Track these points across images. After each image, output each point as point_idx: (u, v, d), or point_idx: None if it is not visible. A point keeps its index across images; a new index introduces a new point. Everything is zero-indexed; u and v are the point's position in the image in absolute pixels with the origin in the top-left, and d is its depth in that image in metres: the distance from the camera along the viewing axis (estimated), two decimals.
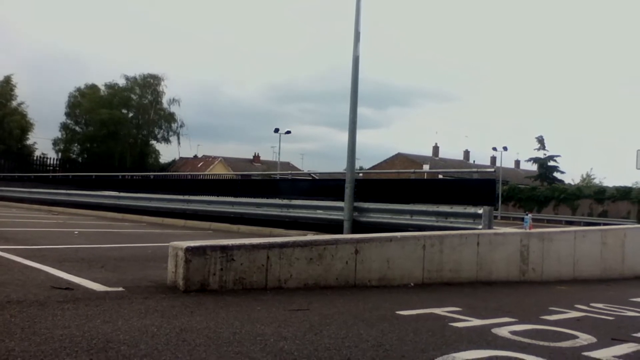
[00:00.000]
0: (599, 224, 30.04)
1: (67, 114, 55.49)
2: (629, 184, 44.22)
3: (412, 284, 5.54)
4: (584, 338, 3.58)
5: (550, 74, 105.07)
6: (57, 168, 35.55)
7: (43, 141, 67.43)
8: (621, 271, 8.18)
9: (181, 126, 57.12)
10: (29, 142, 52.15)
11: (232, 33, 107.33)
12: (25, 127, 51.12)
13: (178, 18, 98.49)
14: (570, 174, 69.72)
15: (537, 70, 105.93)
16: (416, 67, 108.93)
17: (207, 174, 42.40)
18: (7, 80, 50.67)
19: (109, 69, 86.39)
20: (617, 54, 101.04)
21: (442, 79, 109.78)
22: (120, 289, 4.21)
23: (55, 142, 55.37)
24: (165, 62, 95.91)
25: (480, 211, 8.62)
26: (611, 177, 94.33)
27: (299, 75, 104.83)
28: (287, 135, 46.46)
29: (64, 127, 55.81)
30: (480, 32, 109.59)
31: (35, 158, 39.79)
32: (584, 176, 57.38)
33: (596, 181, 54.63)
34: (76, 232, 9.90)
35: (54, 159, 40.41)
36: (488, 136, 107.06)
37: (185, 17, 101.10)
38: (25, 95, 54.18)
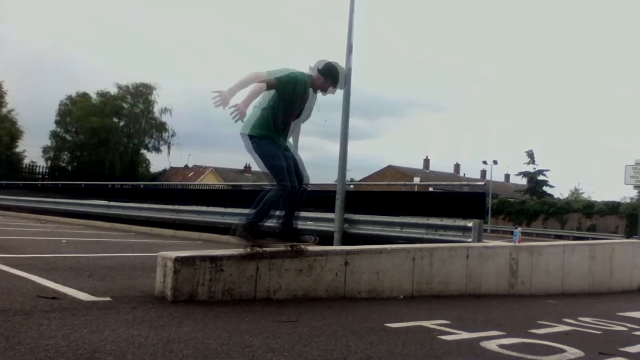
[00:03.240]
0: (587, 238, 30.25)
1: (57, 122, 55.25)
2: (617, 199, 44.60)
3: (401, 296, 5.54)
4: (572, 352, 3.59)
5: (543, 80, 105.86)
6: (47, 176, 35.32)
7: (32, 149, 66.97)
8: (609, 285, 8.23)
9: (172, 136, 57.20)
10: (18, 149, 51.79)
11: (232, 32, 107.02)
12: (14, 134, 50.75)
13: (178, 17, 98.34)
14: (559, 188, 70.14)
15: (534, 77, 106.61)
16: (409, 72, 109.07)
17: (198, 184, 42.23)
18: None
19: (102, 72, 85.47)
20: (614, 58, 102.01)
21: (435, 85, 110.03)
22: (108, 298, 4.17)
23: (45, 150, 55.07)
24: (163, 62, 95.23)
25: (470, 224, 8.63)
26: (599, 192, 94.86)
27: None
28: None
29: (54, 135, 55.51)
30: (476, 34, 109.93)
31: (24, 166, 39.51)
32: (573, 190, 57.85)
33: (585, 195, 55.05)
34: (64, 241, 9.80)
35: (43, 167, 40.22)
36: (479, 144, 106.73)
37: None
38: (15, 101, 53.78)
